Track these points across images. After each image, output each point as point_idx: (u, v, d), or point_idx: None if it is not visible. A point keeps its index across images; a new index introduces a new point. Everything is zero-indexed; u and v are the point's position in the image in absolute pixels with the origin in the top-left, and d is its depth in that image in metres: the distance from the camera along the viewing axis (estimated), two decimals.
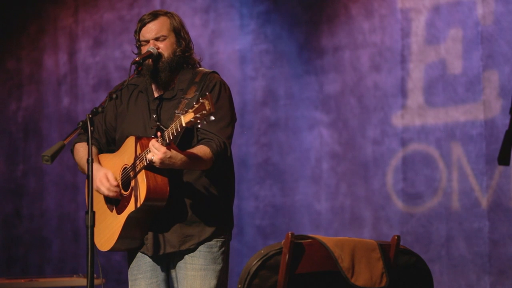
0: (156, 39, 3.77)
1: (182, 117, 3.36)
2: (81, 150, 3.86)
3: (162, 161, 3.48)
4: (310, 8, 7.13)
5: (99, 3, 8.33)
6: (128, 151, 3.70)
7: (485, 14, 6.27)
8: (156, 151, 3.47)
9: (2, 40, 8.86)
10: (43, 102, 8.59)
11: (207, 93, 3.35)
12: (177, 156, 3.50)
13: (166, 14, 3.83)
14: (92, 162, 3.43)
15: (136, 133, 3.72)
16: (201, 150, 3.60)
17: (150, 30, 3.78)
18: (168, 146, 3.48)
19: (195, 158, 3.56)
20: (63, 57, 8.50)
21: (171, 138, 3.45)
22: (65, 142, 3.45)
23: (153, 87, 3.84)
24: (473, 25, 6.31)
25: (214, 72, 3.83)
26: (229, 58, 7.46)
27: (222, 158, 3.67)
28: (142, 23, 3.80)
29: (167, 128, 3.49)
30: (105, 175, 3.69)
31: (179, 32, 3.81)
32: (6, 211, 8.69)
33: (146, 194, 3.56)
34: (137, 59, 3.74)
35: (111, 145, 3.91)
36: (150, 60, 3.74)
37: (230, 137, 3.73)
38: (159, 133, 3.51)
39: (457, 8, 6.39)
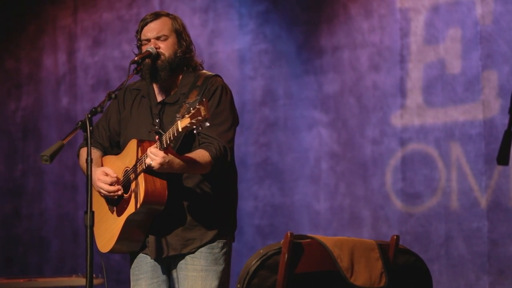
0: (157, 38, 3.77)
1: (179, 122, 3.37)
2: (84, 154, 3.86)
3: (160, 166, 3.49)
4: (309, 8, 7.12)
5: (98, 3, 8.33)
6: (130, 153, 3.70)
7: (484, 14, 6.27)
8: (154, 157, 3.48)
9: (1, 40, 8.85)
10: (42, 102, 8.59)
11: (203, 99, 3.36)
12: (175, 160, 3.51)
13: (168, 15, 3.83)
14: (91, 162, 3.42)
15: (139, 138, 3.73)
16: (200, 154, 3.60)
17: (152, 29, 3.78)
18: (166, 150, 3.48)
19: (193, 162, 3.56)
20: (62, 57, 8.49)
21: (168, 142, 3.46)
22: (64, 142, 3.45)
23: (156, 91, 3.83)
24: (472, 25, 6.32)
25: (216, 75, 3.82)
26: (228, 57, 7.46)
27: (222, 162, 3.67)
28: (144, 23, 3.80)
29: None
30: (103, 171, 3.70)
31: (181, 34, 3.81)
32: (5, 211, 8.69)
33: (144, 197, 3.57)
34: (136, 58, 3.74)
35: (115, 149, 3.92)
36: (150, 60, 3.74)
37: (230, 141, 3.72)
38: (157, 137, 3.52)
39: (456, 8, 6.39)
